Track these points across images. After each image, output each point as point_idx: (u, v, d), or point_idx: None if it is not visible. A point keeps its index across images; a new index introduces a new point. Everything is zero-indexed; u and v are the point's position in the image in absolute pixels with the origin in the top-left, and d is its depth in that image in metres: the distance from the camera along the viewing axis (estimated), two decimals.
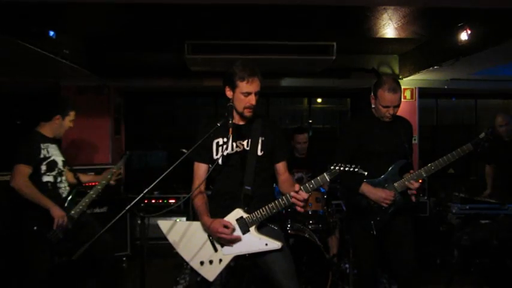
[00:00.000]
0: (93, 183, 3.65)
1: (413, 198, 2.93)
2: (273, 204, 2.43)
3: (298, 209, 2.39)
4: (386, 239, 3.02)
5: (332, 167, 2.36)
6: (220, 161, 2.55)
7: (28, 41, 3.68)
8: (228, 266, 2.51)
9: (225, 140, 2.55)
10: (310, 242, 3.75)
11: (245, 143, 2.57)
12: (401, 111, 3.20)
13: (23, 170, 3.21)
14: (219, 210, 2.53)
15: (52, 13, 3.70)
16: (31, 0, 3.23)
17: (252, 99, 2.49)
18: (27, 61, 4.42)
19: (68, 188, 3.51)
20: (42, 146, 3.36)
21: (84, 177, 3.78)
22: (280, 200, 2.43)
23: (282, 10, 3.67)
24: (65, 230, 3.24)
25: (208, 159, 2.59)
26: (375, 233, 2.95)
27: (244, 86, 2.47)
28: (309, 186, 2.37)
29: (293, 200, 2.36)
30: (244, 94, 2.48)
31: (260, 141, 2.56)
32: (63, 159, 3.53)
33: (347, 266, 4.01)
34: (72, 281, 4.23)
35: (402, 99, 3.12)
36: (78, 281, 4.26)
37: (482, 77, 5.73)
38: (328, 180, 2.37)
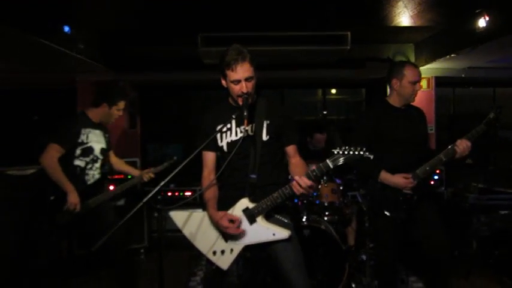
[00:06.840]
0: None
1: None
2: (276, 194, 2.34)
3: (296, 191, 2.27)
4: (413, 226, 3.03)
5: (335, 152, 2.19)
6: (225, 148, 2.49)
7: (43, 37, 3.71)
8: (241, 256, 2.49)
9: (229, 126, 2.47)
10: (327, 234, 3.74)
11: (249, 128, 2.44)
12: (417, 101, 3.17)
13: (54, 149, 3.26)
14: (227, 200, 2.48)
15: (67, 7, 3.73)
16: None
17: (243, 87, 2.32)
18: (43, 57, 4.47)
19: (96, 176, 3.51)
20: (83, 131, 3.38)
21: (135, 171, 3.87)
22: (284, 189, 2.33)
23: (295, 0, 3.64)
24: (74, 215, 3.26)
25: (214, 147, 2.54)
26: (401, 222, 2.99)
27: (231, 74, 2.32)
28: (312, 173, 2.25)
29: (294, 186, 2.27)
30: (234, 82, 2.33)
31: (265, 125, 2.45)
32: (103, 146, 3.53)
33: (364, 257, 4.00)
34: (86, 272, 4.29)
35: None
36: (91, 272, 4.32)
37: (500, 65, 5.60)
38: (331, 167, 2.20)
